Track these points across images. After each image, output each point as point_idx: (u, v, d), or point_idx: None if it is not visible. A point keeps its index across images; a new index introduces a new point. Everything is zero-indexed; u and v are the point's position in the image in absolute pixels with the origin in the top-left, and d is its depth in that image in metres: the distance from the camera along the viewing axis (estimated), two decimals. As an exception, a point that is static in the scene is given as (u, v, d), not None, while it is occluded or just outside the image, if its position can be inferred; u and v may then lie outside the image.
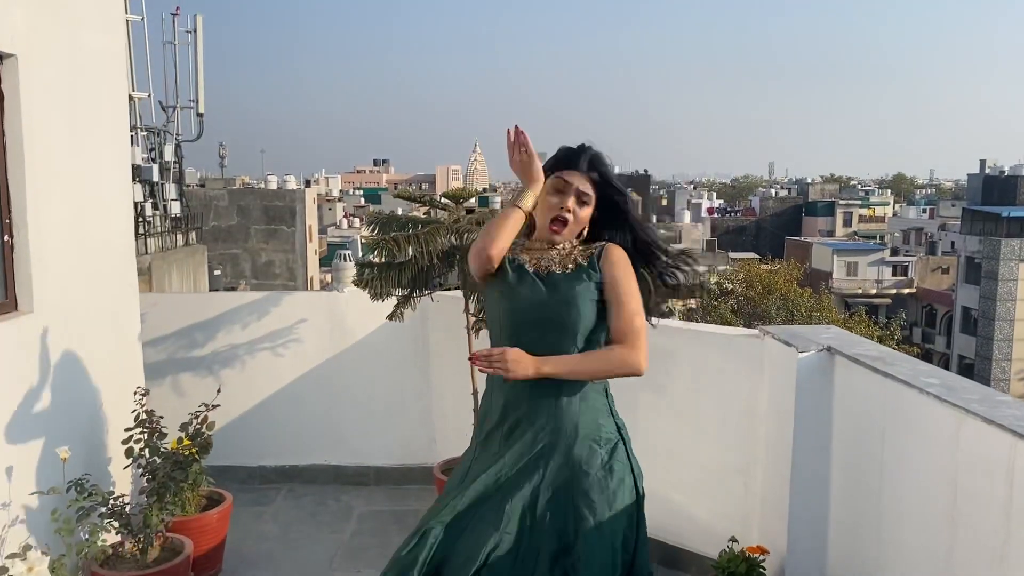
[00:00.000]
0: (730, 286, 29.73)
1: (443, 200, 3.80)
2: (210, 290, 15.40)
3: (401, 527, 3.97)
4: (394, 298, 3.79)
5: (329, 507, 4.38)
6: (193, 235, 17.62)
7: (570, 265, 2.03)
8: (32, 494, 2.70)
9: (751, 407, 3.30)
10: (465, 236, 3.58)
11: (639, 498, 2.08)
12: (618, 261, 2.03)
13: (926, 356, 40.45)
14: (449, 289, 4.45)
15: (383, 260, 3.65)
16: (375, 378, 4.67)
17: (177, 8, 16.40)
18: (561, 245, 2.07)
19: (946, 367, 40.22)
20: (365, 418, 4.68)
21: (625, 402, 3.68)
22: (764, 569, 3.02)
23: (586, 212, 2.07)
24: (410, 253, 3.54)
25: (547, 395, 1.99)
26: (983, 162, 69.66)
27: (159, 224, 15.80)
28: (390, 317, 3.85)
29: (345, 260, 4.55)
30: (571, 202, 2.04)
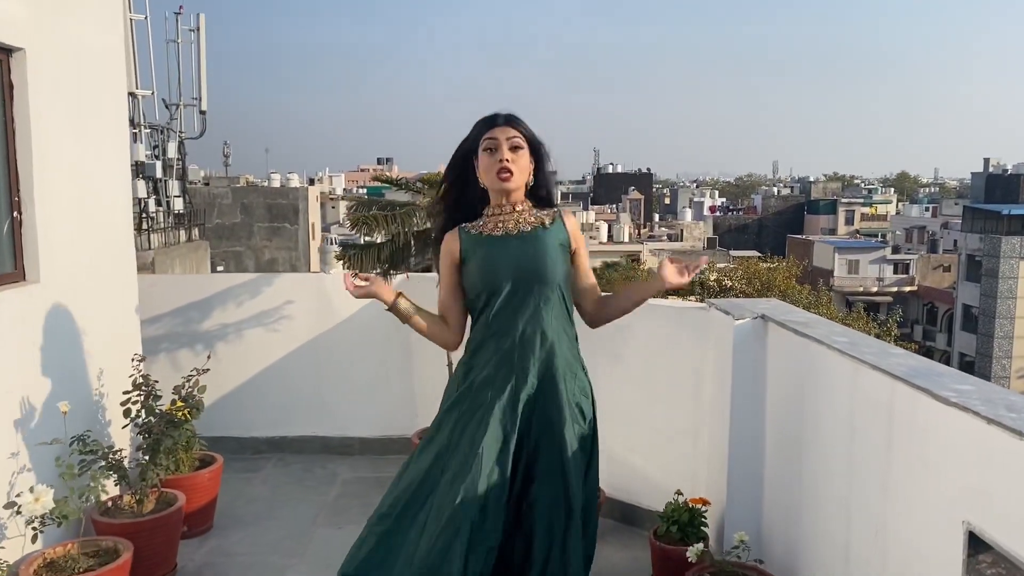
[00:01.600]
0: (729, 283, 29.94)
1: (418, 184, 4.10)
2: (212, 285, 15.71)
3: (381, 490, 4.22)
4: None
5: (315, 473, 4.68)
6: (196, 231, 17.94)
7: (534, 222, 2.24)
8: (39, 444, 3.00)
9: (698, 373, 3.59)
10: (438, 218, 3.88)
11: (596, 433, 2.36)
12: (577, 228, 2.33)
13: (927, 353, 40.24)
14: (428, 270, 4.75)
15: (363, 241, 3.95)
16: (359, 355, 4.97)
17: (180, 7, 16.71)
18: (519, 208, 2.24)
19: (947, 364, 40.30)
20: (350, 392, 4.98)
21: (590, 371, 4.00)
22: (705, 518, 3.30)
23: (523, 158, 2.22)
24: (388, 232, 3.84)
25: (547, 344, 2.21)
26: (987, 161, 69.70)
27: (162, 220, 16.13)
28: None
29: (331, 244, 4.84)
30: (505, 151, 2.18)
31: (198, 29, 16.79)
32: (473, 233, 2.25)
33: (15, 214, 3.12)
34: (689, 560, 2.99)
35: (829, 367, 2.62)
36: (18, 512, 2.70)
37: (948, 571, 1.89)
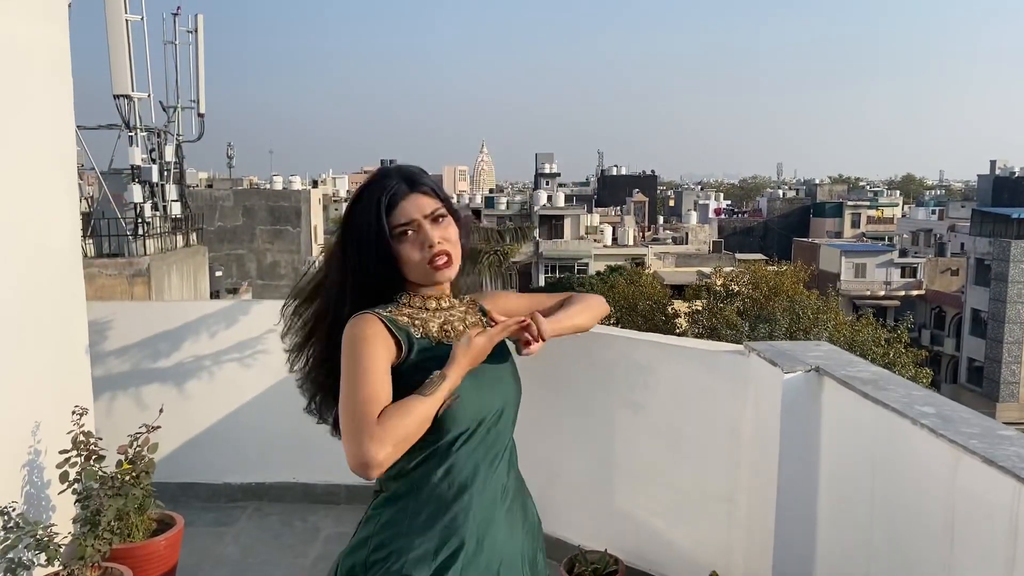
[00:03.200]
0: (736, 287, 29.44)
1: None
2: (211, 291, 15.25)
3: (368, 551, 3.74)
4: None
5: (295, 528, 4.15)
6: (194, 236, 17.48)
7: (475, 323, 1.67)
8: (-56, 526, 2.48)
9: (735, 429, 3.06)
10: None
11: None
12: (498, 296, 1.79)
13: (935, 359, 40.04)
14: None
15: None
16: (346, 391, 4.45)
17: (178, 8, 16.26)
18: (446, 304, 1.65)
19: (955, 369, 39.92)
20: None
21: (601, 420, 3.48)
22: (746, 607, 2.78)
23: (453, 231, 1.61)
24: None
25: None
26: (993, 163, 69.17)
27: (159, 225, 15.67)
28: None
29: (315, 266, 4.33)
30: (434, 232, 1.57)
31: (196, 30, 16.33)
32: (415, 335, 1.56)
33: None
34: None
35: (913, 447, 2.10)
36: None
37: None
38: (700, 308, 26.12)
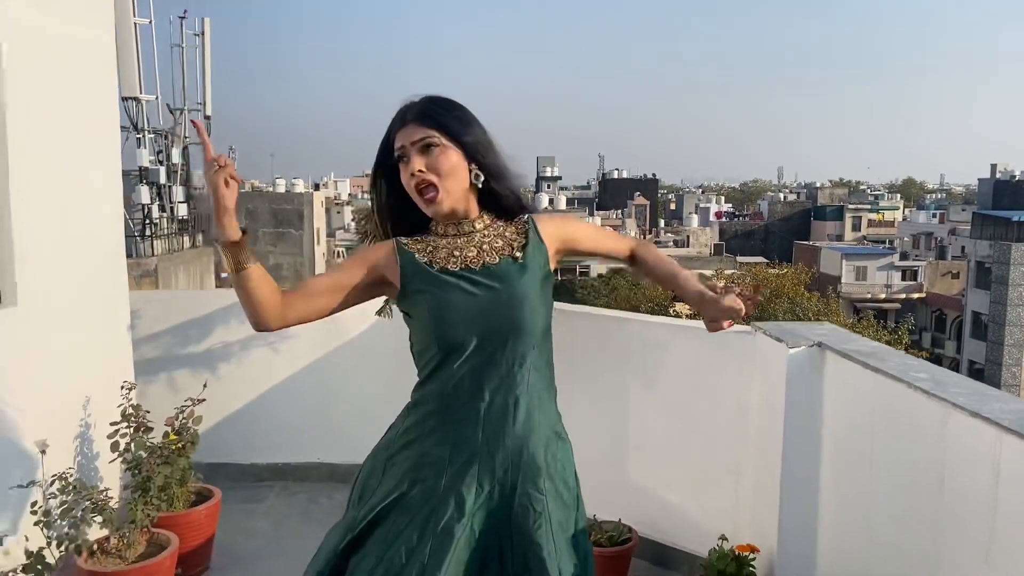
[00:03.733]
0: (737, 290, 29.55)
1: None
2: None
3: (392, 525, 3.95)
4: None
5: (322, 505, 4.36)
6: (200, 237, 17.64)
7: (501, 248, 1.69)
8: (12, 488, 2.68)
9: (742, 403, 3.26)
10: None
11: None
12: (558, 225, 1.77)
13: (936, 361, 39.89)
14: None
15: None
16: (368, 375, 4.65)
17: (185, 11, 16.48)
18: (479, 226, 1.71)
19: (956, 372, 39.88)
20: (359, 415, 4.63)
21: (615, 397, 3.68)
22: (754, 567, 2.97)
23: (445, 158, 1.63)
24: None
25: (521, 417, 1.70)
26: (994, 167, 69.35)
27: (166, 226, 15.86)
28: (379, 313, 3.83)
29: (338, 257, 4.54)
30: (417, 161, 1.62)
31: (203, 34, 16.56)
32: (420, 260, 1.67)
33: (-10, 230, 2.81)
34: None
35: (909, 409, 2.30)
36: (-15, 569, 2.39)
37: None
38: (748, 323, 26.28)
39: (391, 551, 1.58)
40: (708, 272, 37.32)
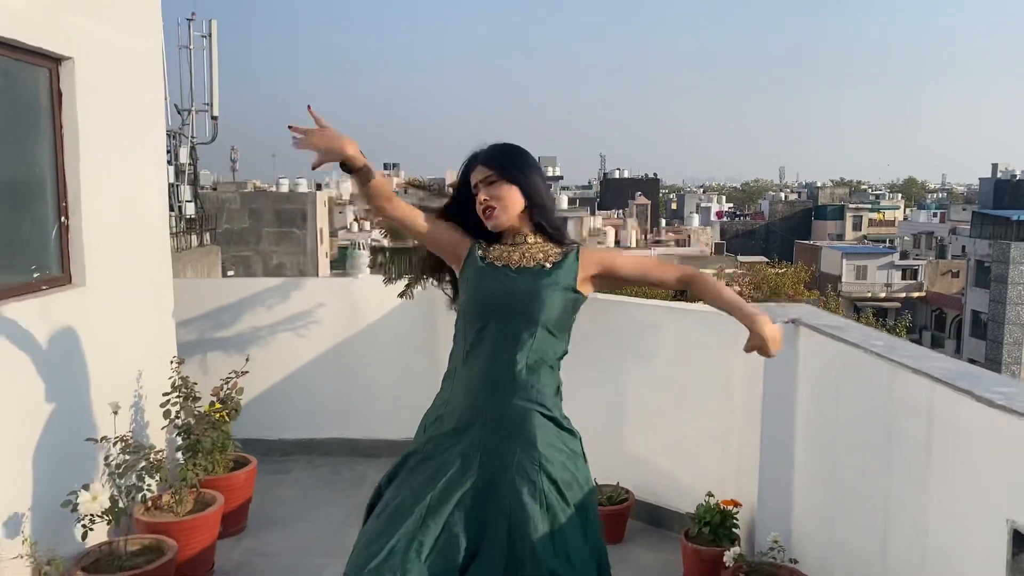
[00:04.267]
0: (738, 288, 29.95)
1: (450, 189, 4.15)
2: (224, 290, 15.80)
3: (410, 492, 4.33)
4: (404, 280, 4.15)
5: (344, 476, 4.74)
6: (207, 236, 18.00)
7: (541, 259, 2.15)
8: (86, 441, 3.06)
9: (728, 377, 3.63)
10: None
11: None
12: (598, 255, 2.20)
13: (935, 360, 40.35)
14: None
15: (393, 246, 4.02)
16: (386, 358, 5.03)
17: (193, 13, 16.85)
18: (530, 241, 2.16)
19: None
20: (377, 395, 5.04)
21: (614, 373, 4.05)
22: (737, 520, 3.35)
23: (504, 191, 2.11)
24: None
25: (518, 389, 2.11)
26: (995, 166, 69.61)
27: (174, 225, 16.26)
28: (401, 295, 4.21)
29: (359, 249, 4.92)
30: (483, 192, 2.11)
31: (210, 35, 16.93)
32: (477, 254, 2.16)
33: (62, 219, 3.19)
34: (726, 564, 3.04)
35: (866, 371, 2.67)
36: (73, 510, 2.76)
37: (991, 570, 1.93)
38: (702, 308, 26.57)
39: (409, 488, 2.07)
40: (709, 271, 37.55)
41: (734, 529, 3.33)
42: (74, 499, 2.77)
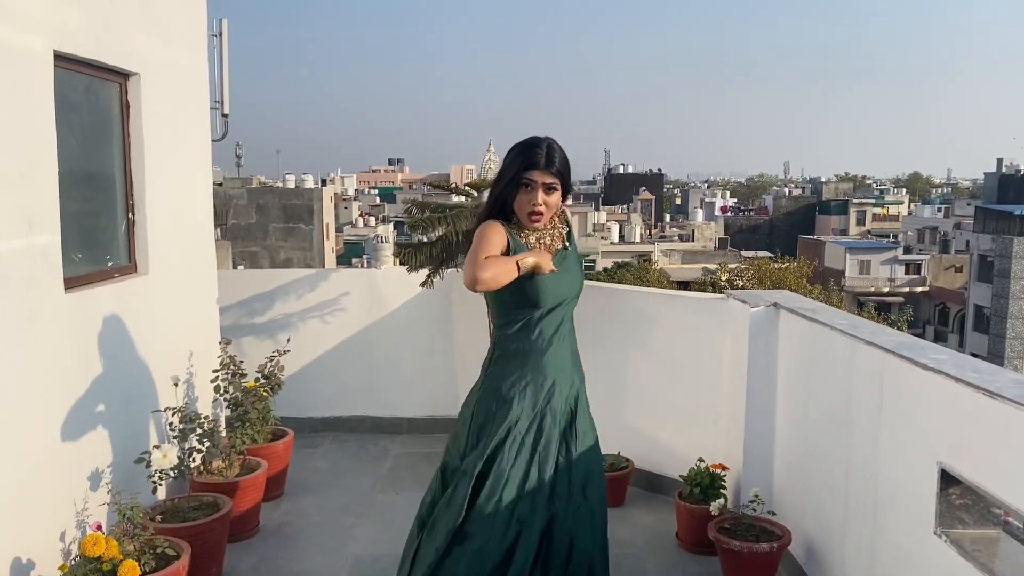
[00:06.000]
0: (740, 283, 30.30)
1: (465, 187, 4.59)
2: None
3: (429, 464, 4.74)
4: (426, 271, 4.58)
5: (369, 449, 5.18)
6: (218, 231, 18.40)
7: (562, 237, 2.54)
8: (153, 411, 3.49)
9: (717, 355, 4.05)
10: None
11: None
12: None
13: (938, 354, 40.59)
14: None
15: (417, 240, 4.45)
16: (406, 343, 5.47)
17: (205, 13, 17.23)
18: (548, 226, 2.50)
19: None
20: (398, 377, 5.47)
21: (616, 355, 4.49)
22: (724, 481, 3.77)
23: (555, 197, 2.43)
24: (440, 231, 4.33)
25: (577, 359, 2.61)
26: (1000, 161, 69.64)
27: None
28: (423, 284, 4.64)
29: (382, 242, 5.35)
30: (540, 196, 2.39)
31: (220, 34, 17.32)
32: (520, 240, 2.44)
33: (130, 216, 3.63)
34: (712, 513, 3.47)
35: (832, 345, 3.09)
36: (147, 466, 3.20)
37: (926, 502, 2.35)
38: (696, 296, 26.92)
39: (517, 456, 2.41)
40: (712, 266, 38.10)
41: (722, 489, 3.76)
42: (147, 457, 3.20)
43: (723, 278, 31.02)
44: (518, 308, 2.45)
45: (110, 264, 3.49)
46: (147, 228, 3.67)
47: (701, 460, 3.86)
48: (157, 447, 3.21)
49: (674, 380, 4.30)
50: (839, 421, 3.03)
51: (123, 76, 3.53)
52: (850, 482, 2.91)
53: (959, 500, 2.32)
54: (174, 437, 3.45)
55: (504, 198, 2.45)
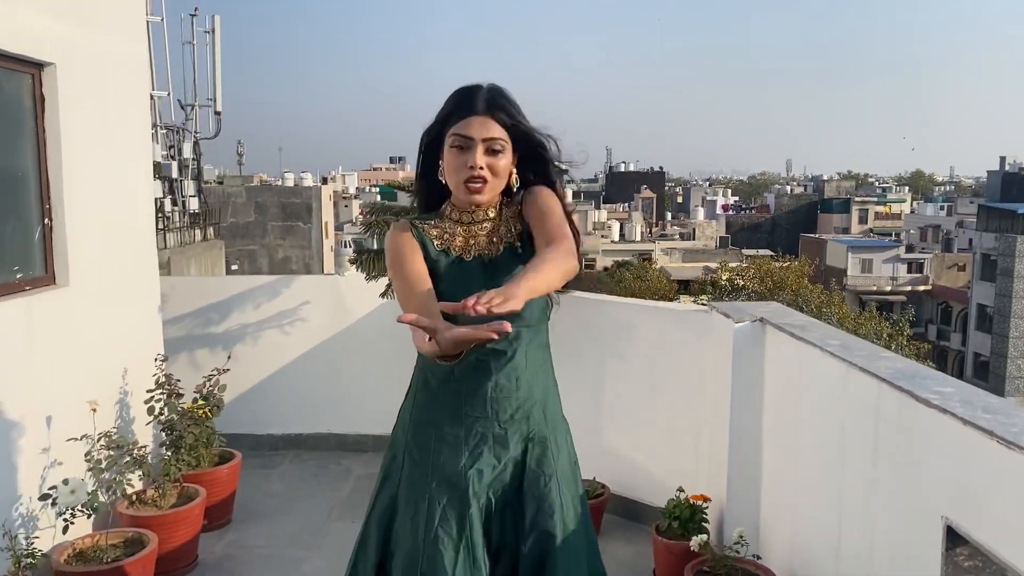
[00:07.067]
0: (741, 282, 29.96)
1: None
2: (227, 284, 16.00)
3: (394, 486, 4.42)
4: (385, 279, 4.22)
5: (330, 470, 4.83)
6: (211, 230, 18.19)
7: (507, 239, 1.78)
8: (68, 440, 3.15)
9: (699, 373, 3.70)
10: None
11: None
12: (538, 195, 1.75)
13: (941, 354, 40.46)
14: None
15: (377, 246, 4.09)
16: (372, 354, 5.11)
17: (196, 8, 16.96)
18: (492, 215, 1.77)
19: (961, 365, 40.30)
20: (364, 390, 5.12)
21: (592, 370, 4.12)
22: (706, 514, 3.41)
23: (504, 161, 1.70)
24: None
25: (525, 396, 1.81)
26: (1003, 159, 69.18)
27: (178, 219, 16.42)
28: (383, 295, 4.28)
29: (346, 246, 5.00)
30: (479, 157, 1.66)
31: (213, 31, 17.03)
32: (436, 246, 1.76)
33: (46, 220, 3.27)
34: (692, 549, 3.11)
35: (823, 369, 2.73)
36: (52, 503, 2.85)
37: (929, 564, 2.00)
38: (705, 303, 26.69)
39: (418, 520, 1.76)
40: (713, 265, 37.72)
41: (703, 523, 3.40)
42: (53, 493, 2.86)
43: (724, 277, 30.66)
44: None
45: (19, 276, 3.14)
46: (67, 234, 3.32)
47: (681, 490, 3.51)
48: (66, 481, 2.86)
49: (653, 398, 3.94)
50: (830, 457, 2.67)
51: (36, 67, 3.18)
52: (843, 529, 2.55)
53: (968, 562, 1.97)
54: (88, 469, 3.10)
55: (429, 178, 1.79)
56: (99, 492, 3.06)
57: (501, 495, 1.81)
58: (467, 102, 1.70)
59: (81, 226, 3.41)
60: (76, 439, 3.15)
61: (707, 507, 3.43)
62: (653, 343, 3.93)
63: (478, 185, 1.68)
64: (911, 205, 70.31)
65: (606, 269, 38.50)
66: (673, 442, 3.86)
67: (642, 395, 3.97)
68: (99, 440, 3.28)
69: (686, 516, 3.40)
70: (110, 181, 3.68)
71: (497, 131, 1.69)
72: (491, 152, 1.69)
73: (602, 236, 46.80)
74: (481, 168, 1.67)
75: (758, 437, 3.32)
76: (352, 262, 4.23)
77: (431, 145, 1.78)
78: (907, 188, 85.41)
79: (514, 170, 1.77)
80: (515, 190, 1.82)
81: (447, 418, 1.79)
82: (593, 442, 4.10)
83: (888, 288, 46.03)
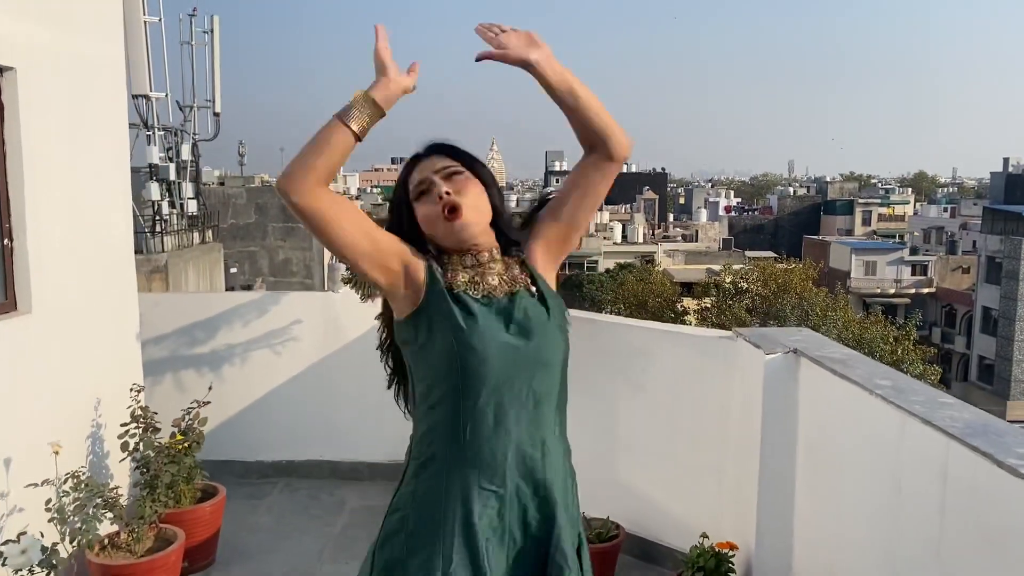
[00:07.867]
0: (745, 285, 29.63)
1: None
2: (226, 287, 15.69)
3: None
4: (381, 299, 3.91)
5: (323, 501, 4.51)
6: (209, 233, 17.90)
7: (520, 277, 1.65)
8: (27, 486, 2.84)
9: (724, 407, 3.39)
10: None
11: None
12: (533, 248, 1.72)
13: (946, 357, 40.13)
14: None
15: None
16: (368, 376, 4.72)
17: (194, 8, 16.66)
18: (497, 257, 1.66)
19: (966, 367, 40.00)
20: (359, 415, 4.81)
21: (605, 399, 3.81)
22: (732, 564, 3.10)
23: (472, 185, 1.61)
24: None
25: (550, 461, 1.62)
26: (1006, 160, 68.89)
27: (176, 222, 16.12)
28: (378, 318, 3.97)
29: (336, 260, 4.68)
30: (441, 186, 1.58)
31: (212, 31, 16.74)
32: (444, 284, 1.58)
33: (6, 241, 2.97)
34: (717, 612, 2.81)
35: (872, 415, 2.42)
36: (3, 563, 2.54)
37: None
38: (709, 305, 26.39)
39: None
40: (716, 267, 37.34)
41: (730, 574, 3.10)
42: (4, 550, 2.55)
43: (727, 279, 30.32)
44: (430, 385, 1.58)
45: (-26, 303, 2.83)
46: (30, 256, 3.01)
47: (705, 536, 3.19)
48: (16, 540, 2.55)
49: (673, 432, 3.63)
50: (881, 515, 2.36)
51: (-7, 71, 2.87)
52: (899, 600, 2.24)
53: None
54: (50, 520, 2.79)
55: (418, 244, 1.62)
56: (62, 544, 2.75)
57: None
58: (412, 158, 1.68)
59: (46, 246, 3.10)
60: (37, 485, 2.83)
61: (734, 555, 3.13)
62: (673, 372, 3.62)
63: (453, 214, 1.57)
64: (914, 207, 70.00)
65: (608, 271, 38.15)
66: (694, 480, 3.55)
67: (660, 428, 3.65)
68: (65, 482, 2.97)
69: (711, 566, 3.09)
70: (80, 195, 3.37)
71: (447, 160, 1.64)
72: (450, 177, 1.61)
73: (604, 237, 46.44)
74: (448, 192, 1.58)
75: (791, 481, 3.01)
76: (346, 281, 3.92)
77: (406, 218, 1.66)
78: (910, 189, 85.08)
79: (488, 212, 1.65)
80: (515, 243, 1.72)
81: (458, 494, 1.58)
82: (607, 477, 3.80)
83: (892, 291, 45.72)
